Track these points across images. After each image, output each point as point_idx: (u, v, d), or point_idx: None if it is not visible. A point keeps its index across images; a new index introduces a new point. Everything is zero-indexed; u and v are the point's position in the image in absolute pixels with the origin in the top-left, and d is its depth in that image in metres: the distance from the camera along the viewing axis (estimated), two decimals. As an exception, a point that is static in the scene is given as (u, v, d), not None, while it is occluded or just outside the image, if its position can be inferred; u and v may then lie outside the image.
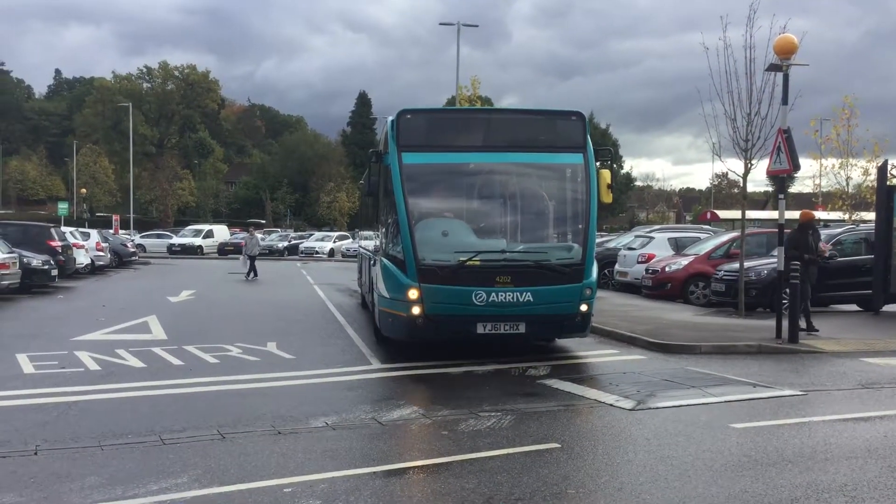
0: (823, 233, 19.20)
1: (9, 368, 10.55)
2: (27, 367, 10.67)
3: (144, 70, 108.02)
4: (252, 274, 29.12)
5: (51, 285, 22.51)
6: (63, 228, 29.28)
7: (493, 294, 10.63)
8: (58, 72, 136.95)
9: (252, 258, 29.53)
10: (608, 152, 12.41)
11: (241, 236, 58.91)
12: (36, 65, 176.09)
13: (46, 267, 21.75)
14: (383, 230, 12.41)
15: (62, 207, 62.53)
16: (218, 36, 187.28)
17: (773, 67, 14.20)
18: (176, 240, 52.90)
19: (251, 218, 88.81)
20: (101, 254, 30.98)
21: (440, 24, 41.05)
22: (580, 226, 11.41)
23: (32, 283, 21.17)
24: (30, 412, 8.28)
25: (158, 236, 55.85)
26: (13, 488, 5.82)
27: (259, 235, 34.94)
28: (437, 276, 10.67)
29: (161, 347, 12.33)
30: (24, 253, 20.99)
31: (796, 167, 13.94)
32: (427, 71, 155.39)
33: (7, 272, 18.85)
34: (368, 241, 16.63)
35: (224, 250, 52.06)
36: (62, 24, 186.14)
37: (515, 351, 11.67)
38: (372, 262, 14.42)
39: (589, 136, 11.68)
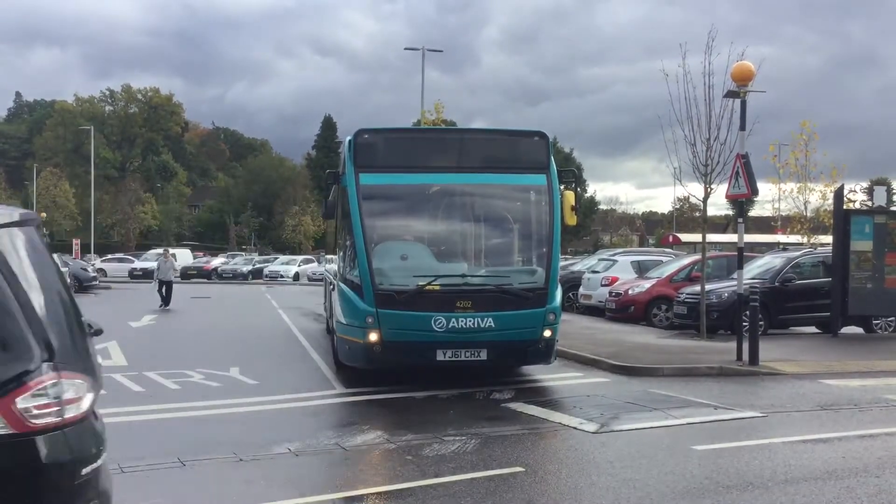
0: (783, 256, 19.55)
1: (-37, 396, 10.30)
2: (-18, 394, 10.42)
3: (107, 93, 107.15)
4: (164, 303, 25.80)
5: (8, 311, 22.03)
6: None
7: (454, 320, 10.36)
8: (18, 94, 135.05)
9: (166, 284, 26.26)
10: (572, 174, 12.34)
11: (203, 259, 58.53)
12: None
13: (4, 292, 21.30)
14: (341, 253, 12.28)
15: (21, 231, 61.34)
16: (185, 59, 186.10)
17: (730, 94, 14.48)
18: (138, 264, 52.13)
19: (214, 242, 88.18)
20: (61, 278, 30.45)
21: (405, 48, 41.38)
22: (543, 249, 11.24)
23: (-11, 309, 20.69)
24: (-16, 441, 8.08)
25: (120, 260, 55.08)
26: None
27: (173, 258, 31.04)
28: (395, 302, 10.39)
29: (121, 373, 12.14)
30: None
31: (754, 192, 14.18)
32: (397, 95, 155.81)
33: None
34: (333, 265, 16.55)
35: (187, 274, 51.51)
36: (27, 46, 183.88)
37: (480, 375, 11.62)
38: (331, 286, 14.27)
39: (553, 158, 11.60)
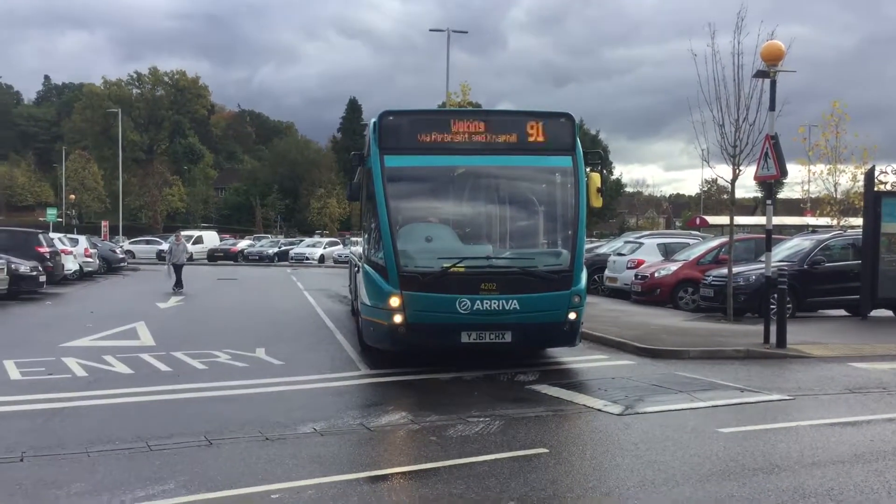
0: (812, 238, 19.33)
1: (-5, 375, 10.50)
2: (14, 373, 10.61)
3: (134, 76, 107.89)
4: (177, 286, 25.17)
5: (39, 291, 22.38)
6: (51, 234, 29.15)
7: (478, 302, 10.36)
8: (47, 77, 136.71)
9: (178, 267, 25.76)
10: (598, 155, 12.19)
11: (230, 241, 58.96)
12: (27, 71, 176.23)
13: (34, 273, 21.62)
14: (366, 235, 12.28)
15: (51, 213, 62.24)
16: (213, 42, 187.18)
17: (760, 74, 14.28)
18: (165, 246, 52.65)
19: (240, 224, 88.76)
20: (90, 260, 30.89)
21: (430, 30, 41.33)
22: (569, 231, 11.17)
23: (20, 290, 21.04)
24: (16, 418, 8.23)
25: (147, 242, 55.61)
26: (-2, 495, 5.79)
27: (185, 240, 30.41)
28: (420, 284, 10.40)
29: (149, 354, 12.28)
30: (13, 259, 20.89)
31: (783, 173, 14.02)
32: (423, 77, 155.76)
33: (-6, 278, 18.74)
34: (357, 247, 16.59)
35: (214, 256, 51.95)
36: (57, 30, 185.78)
37: (504, 357, 11.63)
38: (356, 268, 14.27)
39: (578, 139, 11.50)
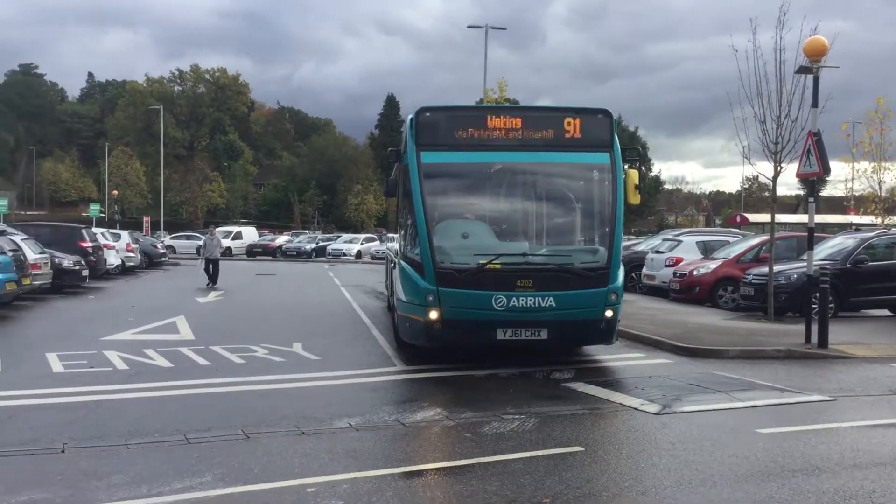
0: (856, 237, 18.97)
1: (38, 367, 10.71)
2: (56, 366, 10.82)
3: (176, 73, 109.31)
4: (211, 281, 25.22)
5: (81, 286, 22.81)
6: (94, 229, 29.65)
7: (514, 299, 10.34)
8: (90, 75, 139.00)
9: (213, 262, 25.65)
10: (636, 152, 12.06)
11: (268, 237, 59.50)
12: (71, 68, 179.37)
13: (77, 267, 22.03)
14: (402, 232, 12.30)
15: (94, 209, 63.35)
16: (254, 39, 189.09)
17: (802, 70, 14.05)
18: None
19: (279, 220, 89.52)
20: (132, 255, 31.36)
21: (468, 26, 41.10)
22: (606, 228, 11.09)
23: (63, 284, 21.44)
24: (58, 411, 8.38)
25: (188, 238, 56.32)
26: (40, 485, 5.90)
27: (220, 235, 30.00)
28: (456, 280, 10.40)
29: (188, 347, 12.44)
30: (56, 253, 21.30)
31: (826, 170, 13.77)
32: (461, 74, 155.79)
33: (39, 272, 19.10)
34: (394, 243, 16.63)
35: (253, 252, 52.48)
36: (101, 28, 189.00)
37: (540, 354, 11.59)
38: (392, 264, 14.30)
39: (616, 136, 11.41)
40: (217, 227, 34.08)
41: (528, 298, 10.36)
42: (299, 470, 6.34)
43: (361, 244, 53.85)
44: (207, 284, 24.96)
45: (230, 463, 6.51)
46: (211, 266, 25.54)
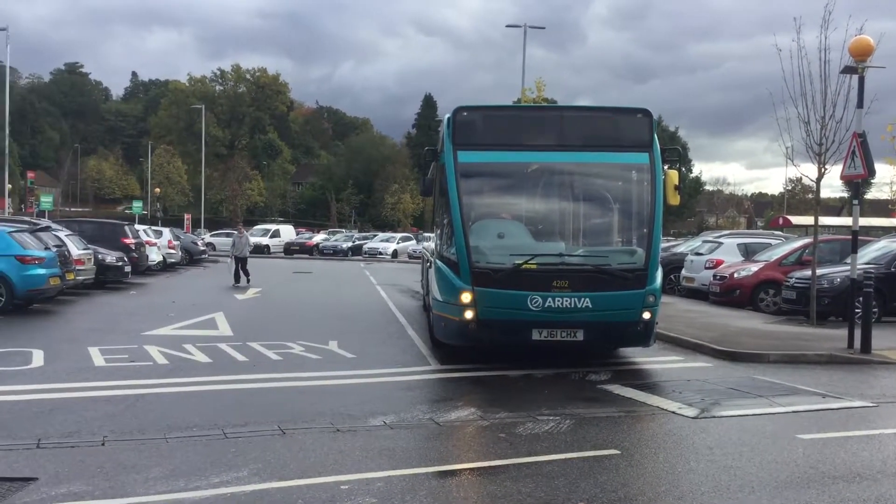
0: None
1: (81, 361, 10.89)
2: (98, 359, 10.99)
3: (218, 73, 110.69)
4: (242, 278, 24.74)
5: (124, 281, 23.18)
6: (137, 226, 30.11)
7: (550, 299, 10.26)
8: (134, 74, 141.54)
9: (242, 260, 25.18)
10: (676, 152, 11.93)
11: (306, 235, 59.91)
12: (116, 68, 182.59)
13: (120, 263, 22.38)
14: (438, 231, 12.29)
15: (136, 206, 64.32)
16: (295, 40, 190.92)
17: (847, 70, 13.79)
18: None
19: (316, 218, 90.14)
20: (173, 251, 31.80)
21: (507, 26, 41.06)
22: (644, 229, 10.97)
23: (106, 279, 21.82)
24: (99, 404, 8.51)
25: (228, 235, 56.79)
26: (81, 477, 5.99)
27: (248, 234, 29.32)
28: (492, 280, 10.35)
29: (226, 343, 12.57)
30: (99, 249, 21.68)
31: (871, 172, 13.50)
32: (499, 74, 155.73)
33: (82, 268, 19.44)
34: (430, 243, 16.63)
35: (290, 250, 52.88)
36: (145, 28, 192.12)
37: (576, 355, 11.50)
38: (428, 263, 14.29)
39: (656, 136, 11.29)
40: (253, 225, 34.24)
41: (565, 299, 10.29)
42: (333, 467, 6.36)
43: (398, 243, 53.97)
44: (235, 282, 24.48)
45: (266, 458, 6.56)
46: (240, 265, 25.09)
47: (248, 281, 24.73)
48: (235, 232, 27.89)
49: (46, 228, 19.60)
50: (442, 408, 8.64)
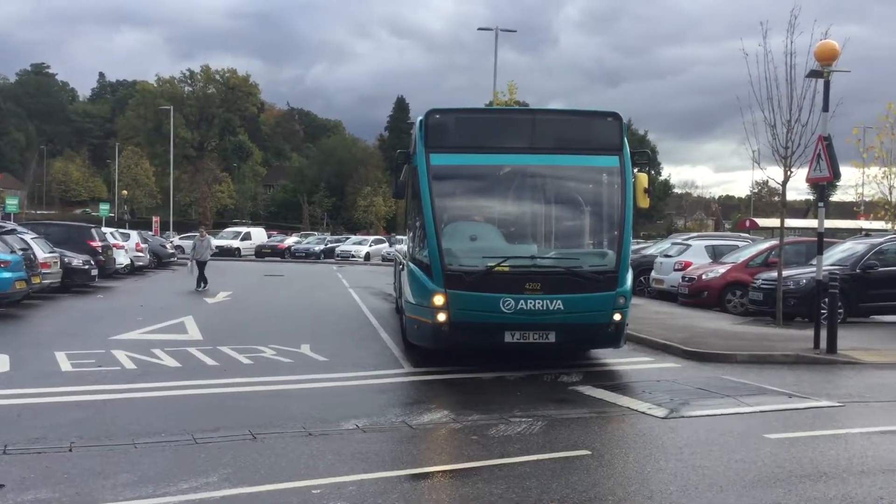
0: (865, 242, 18.89)
1: (47, 366, 10.74)
2: (65, 364, 10.85)
3: (187, 74, 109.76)
4: (202, 283, 23.99)
5: (91, 285, 22.89)
6: (103, 229, 29.77)
7: (522, 301, 10.31)
8: (101, 75, 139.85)
9: (201, 264, 24.47)
10: (646, 155, 12.04)
11: (277, 238, 59.57)
12: (83, 68, 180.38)
13: (87, 267, 22.10)
14: (410, 234, 12.30)
15: (104, 208, 63.59)
16: (266, 41, 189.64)
17: (813, 74, 14.00)
18: (214, 242, 53.32)
19: (287, 221, 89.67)
20: (141, 255, 31.47)
21: (478, 29, 41.27)
22: (615, 232, 11.07)
23: (73, 283, 21.53)
24: (66, 409, 8.41)
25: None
26: (47, 484, 5.92)
27: (210, 237, 27.97)
28: (464, 282, 10.38)
29: (196, 348, 12.47)
30: (65, 252, 21.37)
31: (836, 175, 13.71)
32: (472, 76, 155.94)
33: (48, 271, 19.17)
34: (402, 245, 16.63)
35: (262, 253, 52.58)
36: (113, 28, 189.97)
37: (548, 357, 11.57)
38: (401, 266, 14.28)
39: (626, 139, 11.38)
40: (223, 227, 34.00)
41: (537, 301, 10.34)
42: (305, 471, 6.34)
43: (370, 246, 53.86)
44: (197, 288, 23.74)
45: (237, 463, 6.52)
46: (199, 269, 24.33)
47: (205, 286, 23.93)
48: (196, 234, 27.10)
49: (12, 231, 19.31)
50: (415, 410, 8.64)
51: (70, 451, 6.83)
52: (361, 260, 50.84)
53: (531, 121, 11.59)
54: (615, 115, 11.35)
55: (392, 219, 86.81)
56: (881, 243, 18.46)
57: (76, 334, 13.80)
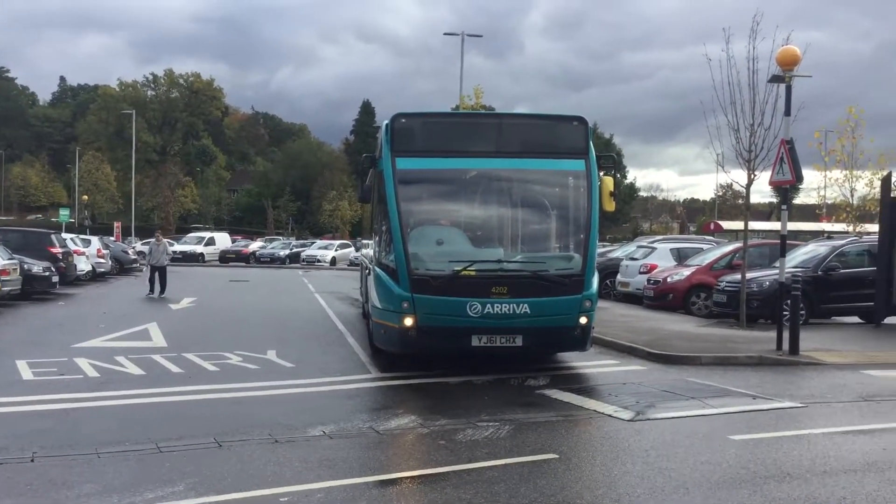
0: (827, 244, 19.20)
1: (8, 375, 10.54)
2: (26, 373, 10.65)
3: (150, 78, 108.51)
4: (159, 289, 23.43)
5: (51, 292, 22.49)
6: (64, 235, 29.29)
7: (489, 305, 10.32)
8: (62, 79, 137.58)
9: (159, 269, 23.78)
10: (611, 159, 12.11)
11: (242, 243, 59.08)
12: (44, 72, 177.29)
13: (47, 273, 21.72)
14: (377, 238, 12.27)
15: (64, 214, 62.60)
16: (231, 44, 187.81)
17: (775, 79, 14.21)
18: (178, 247, 52.73)
19: (252, 226, 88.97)
20: (102, 261, 31.00)
21: (444, 34, 41.31)
22: (581, 235, 11.11)
23: (33, 290, 21.15)
24: (28, 419, 8.26)
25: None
26: (9, 495, 5.81)
27: (167, 241, 27.33)
28: (431, 287, 10.36)
29: (161, 355, 12.31)
30: (25, 259, 20.98)
31: (799, 178, 13.92)
32: (439, 81, 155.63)
33: (8, 278, 18.83)
34: (369, 250, 16.57)
35: (226, 258, 52.11)
36: (75, 32, 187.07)
37: (515, 361, 11.59)
38: (367, 271, 14.23)
39: (592, 143, 11.45)
40: (186, 232, 33.62)
41: (503, 305, 10.35)
42: (272, 479, 6.28)
43: (336, 250, 53.62)
44: (148, 294, 23.28)
45: (202, 472, 6.44)
46: (157, 274, 23.68)
47: (164, 292, 23.44)
48: (153, 240, 26.60)
49: (-30, 238, 18.93)
50: (382, 416, 8.61)
51: (32, 461, 6.70)
52: (327, 264, 50.62)
53: (497, 125, 11.61)
54: (581, 120, 11.41)
55: (358, 223, 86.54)
56: (843, 245, 18.79)
57: (37, 342, 13.56)
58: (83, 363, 11.37)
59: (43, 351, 12.51)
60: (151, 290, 23.56)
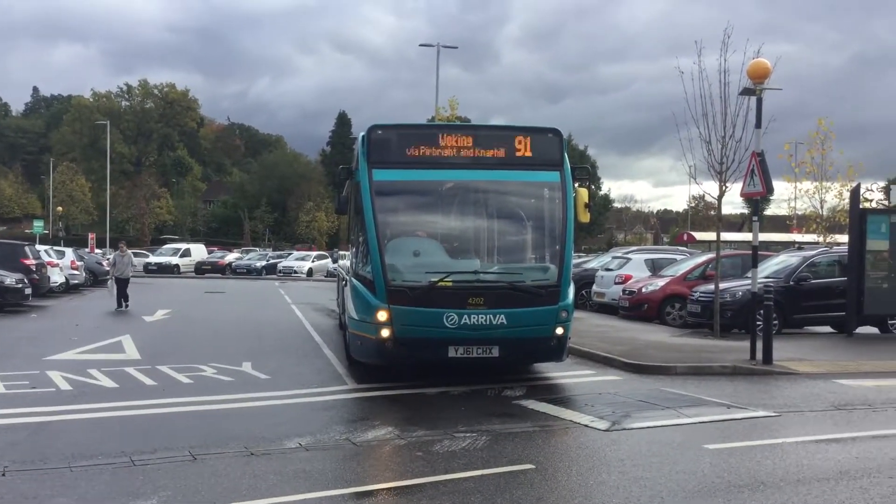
0: (798, 255, 19.43)
1: (-22, 388, 10.40)
2: (-3, 386, 10.52)
3: (124, 88, 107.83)
4: (123, 303, 23.00)
5: (24, 304, 22.23)
6: (38, 247, 28.97)
7: (466, 316, 10.32)
8: (35, 89, 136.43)
9: (123, 282, 23.40)
10: (586, 171, 12.20)
11: (218, 254, 58.70)
12: (16, 83, 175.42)
13: (20, 285, 21.48)
14: (353, 249, 12.25)
15: (37, 225, 61.91)
16: (207, 55, 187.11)
17: (746, 91, 14.41)
18: (153, 258, 52.42)
19: (228, 237, 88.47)
20: (76, 272, 30.71)
21: (420, 45, 41.45)
22: (556, 246, 11.17)
23: (5, 302, 20.92)
24: (-2, 433, 8.16)
25: (135, 255, 55.20)
26: (-22, 510, 5.73)
27: (131, 253, 26.73)
28: (407, 298, 10.36)
29: (134, 367, 12.20)
30: (-2, 271, 20.76)
31: (770, 190, 14.11)
32: (416, 92, 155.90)
33: (-21, 290, 18.59)
34: (345, 261, 16.54)
35: (202, 269, 51.74)
36: (49, 41, 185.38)
37: (492, 371, 11.61)
38: (344, 282, 14.20)
39: (566, 154, 11.52)
40: (162, 244, 33.34)
41: (480, 316, 10.37)
42: (248, 492, 6.25)
43: (313, 262, 53.41)
44: (117, 308, 22.69)
45: (177, 485, 6.39)
46: (119, 287, 23.21)
47: (127, 306, 22.99)
48: (116, 251, 25.92)
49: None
50: (359, 427, 8.59)
51: (3, 475, 6.62)
52: (304, 276, 50.41)
53: (473, 136, 11.62)
54: (555, 132, 11.50)
55: (335, 234, 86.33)
56: (813, 256, 19.02)
57: (9, 355, 13.39)
58: (55, 376, 11.24)
59: (14, 364, 12.36)
60: (119, 305, 23.00)
